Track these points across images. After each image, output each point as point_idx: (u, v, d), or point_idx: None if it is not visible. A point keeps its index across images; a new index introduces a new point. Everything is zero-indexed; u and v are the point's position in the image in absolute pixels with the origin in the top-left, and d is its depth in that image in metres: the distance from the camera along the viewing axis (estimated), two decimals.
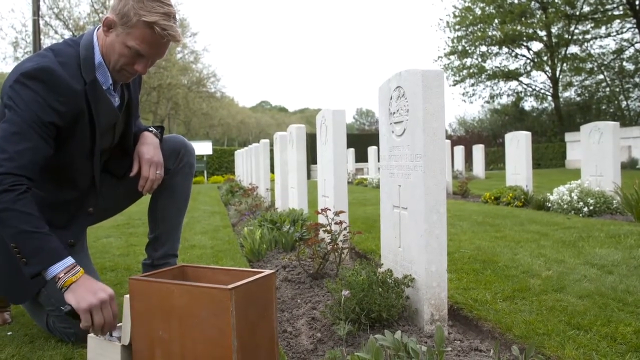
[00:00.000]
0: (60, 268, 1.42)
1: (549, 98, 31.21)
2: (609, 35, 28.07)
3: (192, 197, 2.83)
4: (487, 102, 32.81)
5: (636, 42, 27.06)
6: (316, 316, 1.83)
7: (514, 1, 27.62)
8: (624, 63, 28.75)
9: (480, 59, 30.41)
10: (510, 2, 27.64)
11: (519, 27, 27.61)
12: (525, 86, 32.00)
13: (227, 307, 1.14)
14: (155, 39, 1.59)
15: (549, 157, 24.66)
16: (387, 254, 1.99)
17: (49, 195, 1.71)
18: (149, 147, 1.89)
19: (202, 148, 20.01)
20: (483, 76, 30.91)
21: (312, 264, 2.43)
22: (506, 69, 30.62)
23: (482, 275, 2.37)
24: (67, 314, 1.41)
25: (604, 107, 30.84)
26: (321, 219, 2.56)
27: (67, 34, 24.28)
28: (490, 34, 28.79)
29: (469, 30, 29.46)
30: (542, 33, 28.81)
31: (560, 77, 29.99)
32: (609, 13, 26.41)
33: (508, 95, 33.09)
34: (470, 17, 28.66)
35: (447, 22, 29.79)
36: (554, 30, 28.50)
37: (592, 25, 27.72)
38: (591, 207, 4.71)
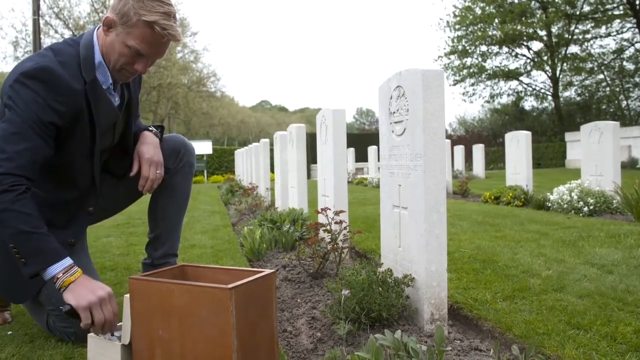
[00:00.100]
0: (58, 268, 1.42)
1: (549, 98, 31.25)
2: (609, 35, 28.10)
3: (192, 197, 2.83)
4: (487, 101, 32.87)
5: (636, 42, 27.10)
6: (316, 316, 1.84)
7: (514, 1, 27.62)
8: (624, 63, 28.78)
9: (480, 59, 30.44)
10: (511, 2, 27.64)
11: (519, 27, 27.62)
12: (525, 86, 32.05)
13: (227, 307, 1.14)
14: (155, 38, 1.59)
15: (549, 156, 24.65)
16: (387, 253, 1.99)
17: (49, 195, 1.71)
18: (149, 147, 1.89)
19: (202, 147, 20.00)
20: (483, 76, 30.92)
21: (312, 263, 2.43)
22: (506, 69, 30.63)
23: (482, 275, 2.37)
24: (66, 314, 1.41)
25: (604, 107, 30.85)
26: (321, 219, 2.57)
27: (67, 34, 24.29)
28: (490, 33, 28.80)
29: (469, 29, 29.48)
30: (542, 33, 28.83)
31: (561, 76, 30.01)
32: (609, 13, 26.42)
33: (508, 95, 33.17)
34: (471, 17, 28.67)
35: (447, 22, 29.85)
36: (554, 29, 28.51)
37: (592, 25, 27.73)
38: (591, 207, 4.72)
